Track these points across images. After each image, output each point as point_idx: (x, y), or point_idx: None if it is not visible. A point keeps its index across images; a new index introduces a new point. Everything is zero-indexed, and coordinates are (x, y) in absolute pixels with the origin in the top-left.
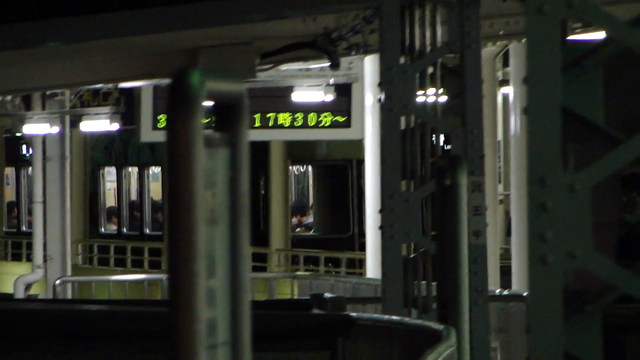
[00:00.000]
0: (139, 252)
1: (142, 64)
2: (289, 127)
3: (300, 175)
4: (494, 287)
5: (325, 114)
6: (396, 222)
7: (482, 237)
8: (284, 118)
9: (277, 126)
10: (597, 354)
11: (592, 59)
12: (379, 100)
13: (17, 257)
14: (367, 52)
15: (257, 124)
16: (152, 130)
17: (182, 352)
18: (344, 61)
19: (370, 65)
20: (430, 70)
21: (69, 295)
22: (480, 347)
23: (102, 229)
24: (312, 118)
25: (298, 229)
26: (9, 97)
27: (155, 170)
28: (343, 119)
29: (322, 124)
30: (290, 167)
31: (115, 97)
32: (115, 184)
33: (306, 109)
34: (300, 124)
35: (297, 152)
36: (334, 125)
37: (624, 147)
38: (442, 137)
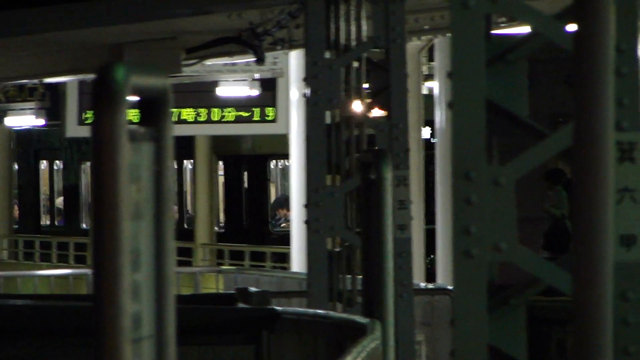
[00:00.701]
0: (65, 247)
1: (67, 59)
2: (214, 122)
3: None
4: (419, 280)
5: (251, 108)
6: (321, 217)
7: (407, 231)
8: (209, 113)
9: (202, 121)
10: (522, 347)
11: (517, 53)
12: (305, 94)
13: None
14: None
15: (183, 118)
16: (77, 125)
17: (106, 346)
18: (270, 56)
19: (295, 60)
20: (355, 64)
21: None
22: (405, 340)
23: (42, 223)
24: (237, 113)
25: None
26: None
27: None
28: (268, 114)
29: (247, 119)
30: (216, 162)
31: (40, 93)
32: (53, 178)
33: (231, 103)
34: (225, 118)
35: (223, 146)
36: (260, 120)
37: (548, 140)
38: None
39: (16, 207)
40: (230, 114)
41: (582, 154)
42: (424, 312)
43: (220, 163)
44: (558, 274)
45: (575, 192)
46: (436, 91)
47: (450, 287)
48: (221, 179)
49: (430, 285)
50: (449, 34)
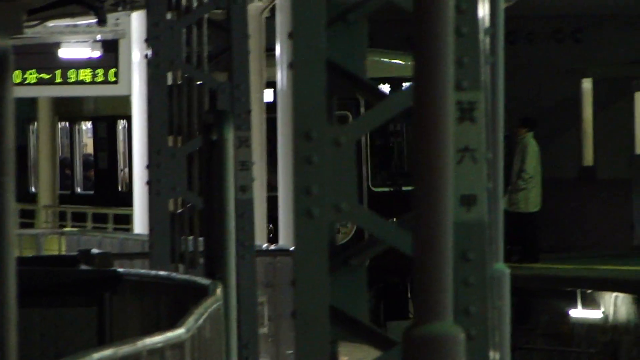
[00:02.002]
0: None
1: None
2: (56, 84)
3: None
4: (261, 241)
5: (93, 70)
6: (163, 178)
7: (249, 192)
8: (51, 74)
9: (44, 82)
10: (363, 308)
11: (357, 13)
12: (146, 56)
13: None
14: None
15: (26, 80)
16: None
17: None
18: (111, 17)
19: (137, 21)
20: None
21: None
22: (247, 301)
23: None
24: (79, 74)
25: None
26: None
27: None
28: (110, 75)
29: (89, 80)
30: (58, 124)
31: None
32: None
33: (73, 65)
34: (67, 80)
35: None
36: (102, 81)
37: (388, 100)
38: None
39: None
40: (73, 75)
41: (422, 113)
42: (266, 273)
43: (64, 124)
44: (399, 234)
45: (416, 152)
46: (278, 52)
47: (292, 249)
48: (66, 141)
49: (272, 247)
50: None
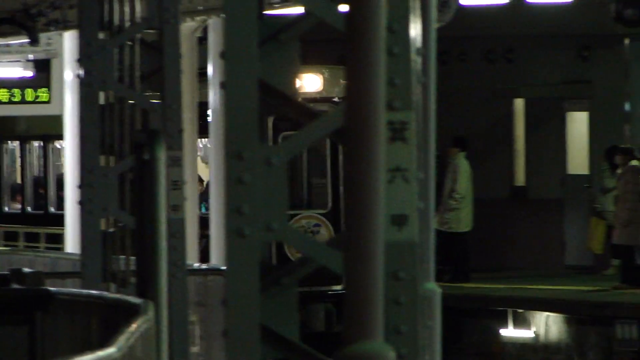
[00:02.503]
0: None
1: None
2: None
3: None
4: (193, 260)
5: (25, 89)
6: (95, 197)
7: (181, 211)
8: None
9: None
10: (294, 327)
11: (289, 33)
12: (78, 75)
13: None
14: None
15: None
16: None
17: None
18: (44, 37)
19: (69, 41)
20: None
21: None
22: (178, 320)
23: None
24: (11, 94)
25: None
26: None
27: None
28: (42, 95)
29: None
30: None
31: None
32: None
33: (5, 84)
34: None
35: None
36: (33, 101)
37: (320, 120)
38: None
39: None
40: (4, 95)
41: (353, 133)
42: (198, 292)
43: None
44: (330, 253)
45: (347, 171)
46: (210, 72)
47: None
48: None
49: (204, 266)
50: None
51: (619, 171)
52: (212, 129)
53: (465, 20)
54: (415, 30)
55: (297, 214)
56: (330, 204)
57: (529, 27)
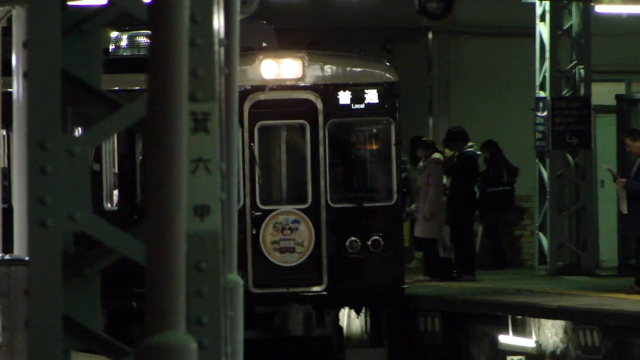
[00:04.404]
0: None
1: None
2: None
3: None
4: None
5: None
6: None
7: None
8: None
9: None
10: (96, 318)
11: (92, 23)
12: None
13: None
14: None
15: None
16: None
17: None
18: None
19: None
20: None
21: None
22: None
23: None
24: None
25: None
26: None
27: None
28: None
29: None
30: None
31: None
32: None
33: None
34: None
35: None
36: None
37: (123, 111)
38: None
39: None
40: None
41: (155, 124)
42: (1, 283)
43: None
44: (132, 244)
45: (149, 162)
46: (14, 62)
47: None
48: None
49: (7, 256)
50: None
51: (421, 164)
52: (15, 119)
53: (269, 13)
54: (218, 21)
55: (275, 210)
56: (310, 200)
57: (333, 19)
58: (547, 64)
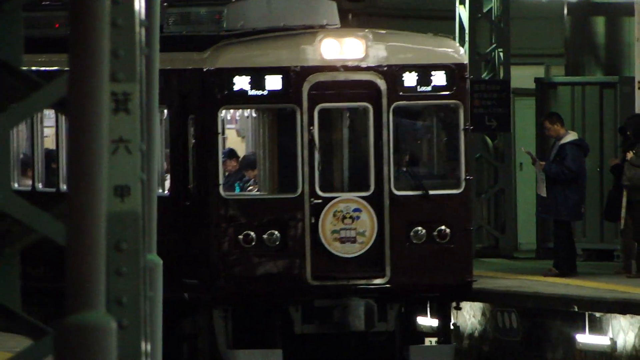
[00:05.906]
0: None
1: None
2: None
3: None
4: None
5: None
6: None
7: None
8: None
9: None
10: (15, 297)
11: (13, 3)
12: None
13: None
14: None
15: None
16: None
17: None
18: None
19: None
20: None
21: None
22: None
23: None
24: None
25: None
26: None
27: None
28: None
29: None
30: None
31: None
32: None
33: None
34: None
35: None
36: None
37: (43, 91)
38: None
39: None
40: None
41: (76, 104)
42: None
43: None
44: (52, 224)
45: (70, 142)
46: None
47: None
48: None
49: None
50: None
51: None
52: None
53: None
54: (139, 2)
55: (335, 197)
56: (372, 187)
57: None
58: (466, 46)
